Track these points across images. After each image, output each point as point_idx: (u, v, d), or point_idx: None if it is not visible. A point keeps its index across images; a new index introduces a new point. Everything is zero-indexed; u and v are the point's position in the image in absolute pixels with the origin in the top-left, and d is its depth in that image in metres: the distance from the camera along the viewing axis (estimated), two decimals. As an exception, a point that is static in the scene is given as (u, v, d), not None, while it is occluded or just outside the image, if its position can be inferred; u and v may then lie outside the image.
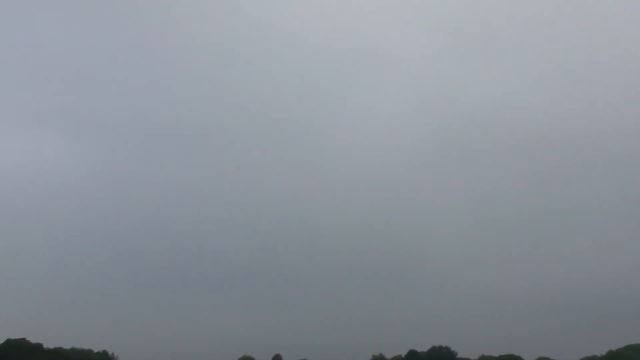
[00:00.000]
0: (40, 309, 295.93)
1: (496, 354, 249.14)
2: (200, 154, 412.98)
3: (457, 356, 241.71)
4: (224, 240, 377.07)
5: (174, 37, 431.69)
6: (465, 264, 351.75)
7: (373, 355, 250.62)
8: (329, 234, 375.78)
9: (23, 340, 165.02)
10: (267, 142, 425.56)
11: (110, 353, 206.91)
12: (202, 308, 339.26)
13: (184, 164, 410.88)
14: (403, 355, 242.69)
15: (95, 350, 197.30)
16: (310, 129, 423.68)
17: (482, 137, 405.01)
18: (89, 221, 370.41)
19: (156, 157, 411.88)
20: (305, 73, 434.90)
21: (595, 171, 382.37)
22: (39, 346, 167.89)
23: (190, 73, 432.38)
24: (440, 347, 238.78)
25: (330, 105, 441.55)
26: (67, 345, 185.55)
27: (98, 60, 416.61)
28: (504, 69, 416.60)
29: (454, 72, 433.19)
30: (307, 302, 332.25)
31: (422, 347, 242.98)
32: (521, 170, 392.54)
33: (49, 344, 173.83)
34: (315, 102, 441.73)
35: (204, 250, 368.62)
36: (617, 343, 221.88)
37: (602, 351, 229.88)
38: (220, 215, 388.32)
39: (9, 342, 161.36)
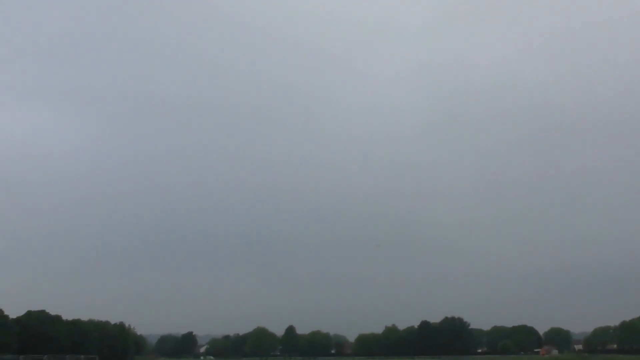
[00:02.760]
0: (58, 283, 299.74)
1: (509, 324, 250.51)
2: (205, 126, 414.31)
3: (470, 327, 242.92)
4: (238, 213, 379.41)
5: (174, 11, 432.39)
6: (475, 234, 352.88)
7: (386, 326, 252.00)
8: (340, 207, 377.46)
9: (42, 312, 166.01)
10: (269, 114, 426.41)
11: (127, 324, 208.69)
12: (217, 281, 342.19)
13: (188, 136, 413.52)
14: (415, 326, 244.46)
15: (113, 322, 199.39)
16: (311, 101, 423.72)
17: (485, 107, 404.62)
18: (103, 195, 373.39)
19: (164, 131, 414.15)
20: (304, 46, 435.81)
21: (604, 139, 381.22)
22: (58, 318, 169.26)
23: (189, 47, 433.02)
24: (452, 318, 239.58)
25: (329, 76, 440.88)
26: (84, 317, 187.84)
27: (98, 36, 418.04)
28: (507, 37, 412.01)
29: (455, 40, 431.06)
30: (320, 275, 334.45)
31: (435, 318, 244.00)
32: (528, 139, 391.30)
33: (67, 315, 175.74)
34: (314, 72, 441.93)
35: (219, 223, 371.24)
36: (631, 314, 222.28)
37: (615, 322, 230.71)
38: (234, 188, 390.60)
39: (29, 314, 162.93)
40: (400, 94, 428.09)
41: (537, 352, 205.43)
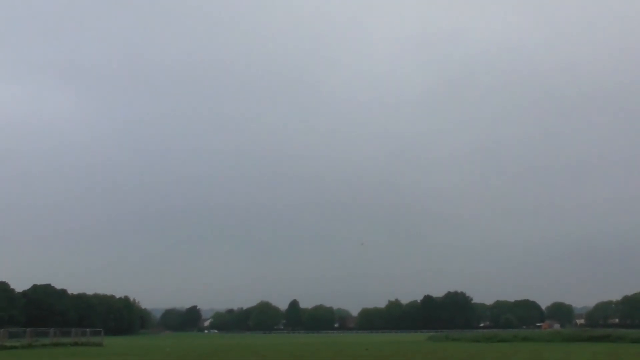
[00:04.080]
0: (63, 258, 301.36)
1: (511, 299, 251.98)
2: (212, 108, 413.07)
3: (473, 301, 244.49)
4: (242, 191, 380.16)
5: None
6: (478, 210, 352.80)
7: (389, 301, 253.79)
8: (341, 188, 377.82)
9: (48, 285, 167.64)
10: (271, 97, 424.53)
11: (131, 299, 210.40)
12: (221, 257, 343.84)
13: (193, 118, 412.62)
14: (418, 301, 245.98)
15: (117, 296, 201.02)
16: (309, 75, 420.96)
17: (488, 82, 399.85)
18: (107, 170, 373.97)
19: (166, 103, 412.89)
20: (304, 17, 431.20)
21: (606, 120, 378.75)
22: (63, 292, 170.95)
23: (191, 29, 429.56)
24: (455, 293, 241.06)
25: (328, 50, 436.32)
26: (89, 291, 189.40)
27: (98, 11, 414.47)
28: (511, 9, 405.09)
29: (457, 13, 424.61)
30: (323, 251, 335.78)
31: (438, 293, 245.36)
32: (532, 115, 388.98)
33: (72, 290, 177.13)
34: (312, 45, 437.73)
35: (222, 201, 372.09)
36: (633, 288, 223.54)
37: (617, 296, 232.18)
38: (236, 168, 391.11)
39: (35, 288, 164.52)
40: (401, 68, 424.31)
41: (540, 327, 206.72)
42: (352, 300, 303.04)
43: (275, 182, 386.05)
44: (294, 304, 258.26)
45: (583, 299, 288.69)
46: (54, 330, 75.22)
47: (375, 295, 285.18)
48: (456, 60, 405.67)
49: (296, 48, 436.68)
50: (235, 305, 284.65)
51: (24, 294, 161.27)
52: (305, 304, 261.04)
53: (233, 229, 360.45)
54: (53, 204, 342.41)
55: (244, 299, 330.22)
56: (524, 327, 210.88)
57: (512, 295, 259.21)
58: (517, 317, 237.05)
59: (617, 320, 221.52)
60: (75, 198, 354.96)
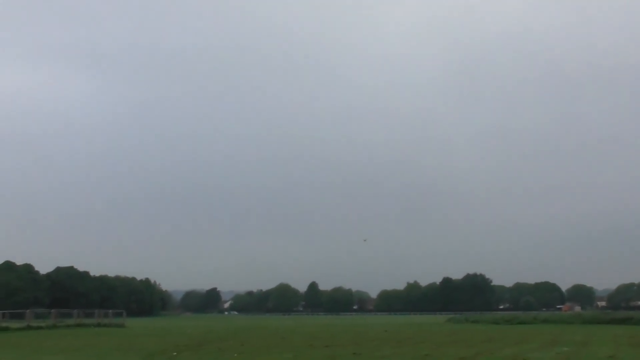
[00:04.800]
0: (85, 241, 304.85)
1: (531, 281, 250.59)
2: (228, 91, 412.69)
3: (492, 283, 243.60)
4: (261, 174, 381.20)
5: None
6: (495, 195, 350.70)
7: (407, 283, 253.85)
8: (358, 169, 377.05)
9: (71, 268, 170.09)
10: (287, 79, 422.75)
11: (152, 281, 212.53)
12: (241, 239, 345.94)
13: (211, 101, 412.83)
14: (437, 283, 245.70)
15: (138, 279, 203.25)
16: (322, 65, 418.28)
17: (501, 68, 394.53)
18: (127, 152, 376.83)
19: (185, 88, 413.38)
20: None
21: (628, 99, 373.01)
22: (86, 274, 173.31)
23: (206, 12, 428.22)
24: (474, 275, 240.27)
25: (342, 29, 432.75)
26: (111, 273, 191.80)
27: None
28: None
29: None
30: (342, 233, 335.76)
31: (457, 275, 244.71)
32: (551, 94, 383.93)
33: (95, 272, 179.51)
34: (326, 36, 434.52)
35: (241, 183, 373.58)
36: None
37: (638, 279, 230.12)
38: (254, 149, 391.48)
39: (58, 270, 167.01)
40: (415, 48, 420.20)
41: (560, 309, 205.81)
42: (371, 282, 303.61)
43: (293, 164, 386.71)
44: (313, 286, 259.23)
45: (604, 281, 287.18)
46: (77, 311, 76.39)
47: (394, 277, 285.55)
48: (471, 42, 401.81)
49: (310, 31, 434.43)
50: (254, 287, 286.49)
51: (48, 276, 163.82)
52: (324, 286, 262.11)
53: (252, 211, 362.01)
54: (74, 187, 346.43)
55: (264, 281, 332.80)
56: (544, 309, 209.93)
57: (531, 277, 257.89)
58: (537, 299, 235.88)
59: (639, 303, 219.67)
60: (96, 180, 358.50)
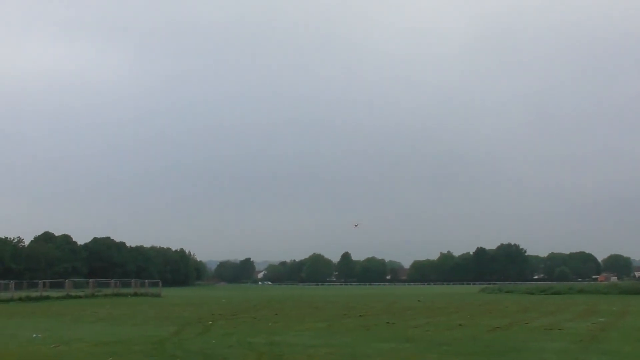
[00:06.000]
0: (121, 213, 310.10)
1: (566, 251, 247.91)
2: (255, 53, 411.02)
3: (526, 253, 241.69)
4: (295, 144, 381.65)
5: None
6: (529, 163, 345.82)
7: (441, 253, 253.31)
8: (385, 138, 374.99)
9: (107, 238, 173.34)
10: (315, 52, 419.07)
11: (187, 251, 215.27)
12: (275, 211, 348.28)
13: (248, 71, 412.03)
14: (471, 253, 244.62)
15: (173, 249, 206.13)
16: (351, 37, 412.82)
17: (534, 28, 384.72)
18: (161, 125, 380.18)
19: (212, 61, 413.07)
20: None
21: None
22: (122, 244, 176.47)
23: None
24: (508, 245, 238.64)
25: (368, 14, 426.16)
26: (147, 244, 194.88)
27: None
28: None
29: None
30: (375, 205, 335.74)
31: (491, 245, 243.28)
32: (583, 62, 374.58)
33: (130, 243, 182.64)
34: (355, 9, 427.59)
35: (274, 153, 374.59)
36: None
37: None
38: (289, 118, 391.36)
39: (95, 241, 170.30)
40: (443, 15, 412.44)
41: (596, 279, 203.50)
42: (404, 252, 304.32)
43: (323, 134, 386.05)
44: (346, 256, 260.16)
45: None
46: (114, 281, 77.99)
47: (426, 247, 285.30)
48: (499, 9, 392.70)
49: (338, 6, 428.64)
50: (288, 258, 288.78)
51: (86, 246, 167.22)
52: (357, 256, 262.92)
53: (285, 181, 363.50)
54: (110, 159, 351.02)
55: (297, 251, 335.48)
56: (579, 279, 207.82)
57: (566, 247, 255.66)
58: (572, 269, 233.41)
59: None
60: (131, 152, 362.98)
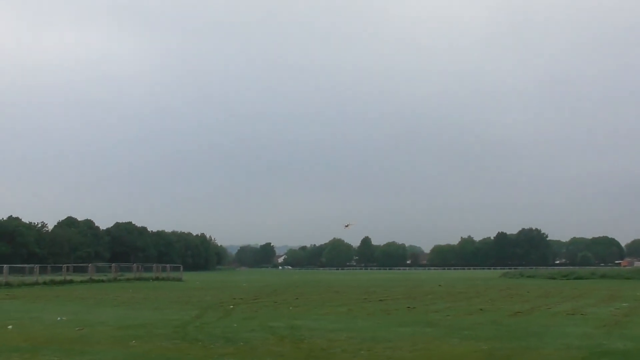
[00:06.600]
0: (142, 199, 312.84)
1: (589, 236, 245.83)
2: (279, 51, 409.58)
3: (548, 238, 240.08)
4: (311, 128, 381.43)
5: None
6: (551, 148, 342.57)
7: (461, 238, 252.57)
8: (407, 124, 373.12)
9: (129, 223, 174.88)
10: (336, 39, 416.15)
11: (208, 236, 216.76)
12: (295, 196, 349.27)
13: (268, 60, 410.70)
14: (492, 238, 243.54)
15: (194, 234, 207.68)
16: (373, 23, 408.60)
17: (554, 16, 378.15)
18: (183, 113, 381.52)
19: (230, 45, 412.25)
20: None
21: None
22: (143, 229, 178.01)
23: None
24: (530, 229, 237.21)
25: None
26: (168, 229, 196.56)
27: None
28: None
29: None
30: (395, 190, 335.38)
31: (512, 230, 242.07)
32: (603, 51, 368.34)
33: (152, 227, 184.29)
34: None
35: (294, 138, 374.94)
36: None
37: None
38: (305, 106, 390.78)
39: (117, 225, 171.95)
40: (465, 2, 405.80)
41: (619, 264, 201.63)
42: (424, 237, 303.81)
43: (344, 120, 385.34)
44: (366, 241, 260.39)
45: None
46: (136, 265, 78.75)
47: (447, 232, 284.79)
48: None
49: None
50: (308, 242, 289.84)
51: (108, 231, 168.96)
52: (377, 241, 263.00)
53: (306, 166, 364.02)
54: (131, 145, 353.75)
55: (317, 236, 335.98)
56: (602, 264, 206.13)
57: (589, 231, 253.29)
58: (595, 254, 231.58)
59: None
60: (153, 137, 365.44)
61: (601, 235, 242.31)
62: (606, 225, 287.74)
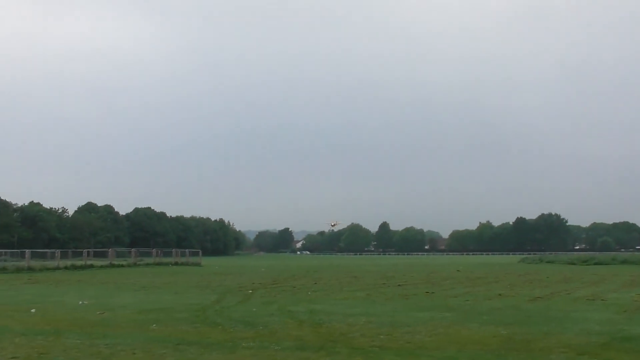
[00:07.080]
0: (161, 184, 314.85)
1: (609, 221, 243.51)
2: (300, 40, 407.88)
3: (567, 223, 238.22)
4: (330, 115, 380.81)
5: None
6: (570, 133, 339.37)
7: (480, 223, 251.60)
8: (428, 108, 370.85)
9: (148, 209, 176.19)
10: (356, 27, 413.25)
11: (226, 221, 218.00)
12: (312, 180, 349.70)
13: (285, 49, 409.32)
14: (511, 223, 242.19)
15: (213, 219, 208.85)
16: (387, 10, 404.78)
17: (572, 6, 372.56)
18: (203, 101, 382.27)
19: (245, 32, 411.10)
20: None
21: None
22: (163, 214, 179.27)
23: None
24: (549, 215, 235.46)
25: None
26: (187, 214, 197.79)
27: None
28: None
29: None
30: (414, 175, 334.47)
31: (531, 215, 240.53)
32: (624, 36, 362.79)
33: (171, 213, 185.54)
34: None
35: (312, 124, 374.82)
36: None
37: None
38: (324, 93, 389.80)
39: (137, 211, 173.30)
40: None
41: (639, 249, 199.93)
42: (443, 222, 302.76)
43: (362, 106, 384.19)
44: (384, 226, 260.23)
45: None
46: (156, 250, 79.47)
47: (466, 217, 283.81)
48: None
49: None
50: (326, 228, 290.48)
51: (127, 216, 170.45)
52: (396, 226, 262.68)
53: (324, 152, 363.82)
54: (148, 133, 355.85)
55: (335, 221, 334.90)
56: (622, 250, 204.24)
57: (609, 216, 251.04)
58: (615, 239, 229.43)
59: None
60: (170, 125, 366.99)
61: (622, 221, 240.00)
62: (627, 210, 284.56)
